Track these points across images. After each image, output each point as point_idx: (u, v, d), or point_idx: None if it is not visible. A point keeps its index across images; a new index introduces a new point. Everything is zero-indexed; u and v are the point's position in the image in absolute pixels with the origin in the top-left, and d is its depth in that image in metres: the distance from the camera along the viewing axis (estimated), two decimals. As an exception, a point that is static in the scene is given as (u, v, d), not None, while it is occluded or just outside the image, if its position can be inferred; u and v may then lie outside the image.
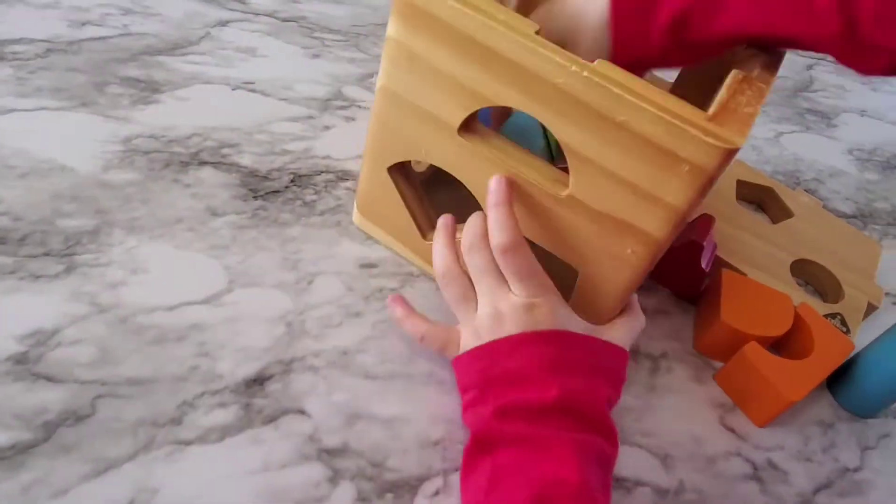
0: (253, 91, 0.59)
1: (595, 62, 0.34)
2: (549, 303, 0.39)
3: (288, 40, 0.66)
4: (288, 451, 0.38)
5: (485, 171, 0.41)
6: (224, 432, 0.37)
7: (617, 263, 0.40)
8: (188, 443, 0.37)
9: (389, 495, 0.37)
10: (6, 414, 0.35)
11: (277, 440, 0.38)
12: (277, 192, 0.51)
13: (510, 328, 0.38)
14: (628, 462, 0.42)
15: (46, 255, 0.43)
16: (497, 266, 0.39)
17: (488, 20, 0.35)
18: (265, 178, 0.52)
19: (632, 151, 0.34)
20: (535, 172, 0.39)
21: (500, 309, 0.39)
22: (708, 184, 0.34)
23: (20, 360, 0.37)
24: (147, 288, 0.42)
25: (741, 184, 0.64)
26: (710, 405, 0.47)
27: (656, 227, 0.37)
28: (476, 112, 0.39)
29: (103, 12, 0.61)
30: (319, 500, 0.36)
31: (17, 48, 0.55)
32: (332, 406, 0.40)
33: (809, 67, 0.91)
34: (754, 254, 0.56)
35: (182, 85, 0.57)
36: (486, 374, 0.38)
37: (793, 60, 0.91)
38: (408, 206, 0.47)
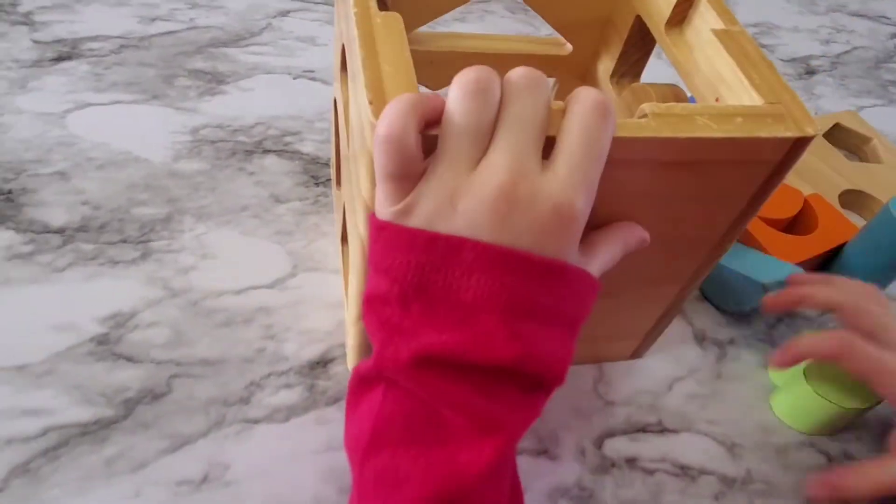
0: (313, 79, 0.60)
1: (384, 13, 0.29)
2: (583, 214, 0.25)
3: (346, 28, 0.67)
4: (351, 432, 0.39)
5: (341, 116, 0.39)
6: (290, 412, 0.39)
7: (354, 241, 0.32)
8: (256, 421, 0.38)
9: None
10: (91, 391, 0.38)
11: (341, 420, 0.39)
12: (338, 178, 0.52)
13: (515, 228, 0.23)
14: (693, 450, 0.41)
15: (124, 241, 0.45)
16: (545, 125, 0.24)
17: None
18: (326, 164, 0.53)
19: (357, 109, 0.30)
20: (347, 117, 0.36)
21: (518, 187, 0.23)
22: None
23: (102, 340, 0.40)
24: (216, 273, 0.44)
25: (838, 127, 0.63)
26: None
27: (360, 218, 0.30)
28: None
29: (171, 7, 0.63)
30: (381, 480, 0.37)
31: (93, 45, 0.58)
32: (393, 388, 0.41)
33: (893, 36, 0.85)
34: (808, 171, 0.58)
35: (245, 76, 0.58)
36: (423, 282, 0.24)
37: (875, 30, 0.86)
38: (336, 147, 0.43)
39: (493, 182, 0.23)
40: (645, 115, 0.27)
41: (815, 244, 0.49)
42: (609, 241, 0.29)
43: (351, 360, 0.40)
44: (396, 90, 0.25)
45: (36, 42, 0.57)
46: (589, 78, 0.45)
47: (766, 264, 0.47)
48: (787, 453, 0.43)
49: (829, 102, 0.71)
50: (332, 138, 0.45)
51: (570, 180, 0.24)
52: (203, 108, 0.55)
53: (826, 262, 0.51)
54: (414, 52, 0.27)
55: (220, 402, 0.38)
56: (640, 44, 0.42)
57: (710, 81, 0.33)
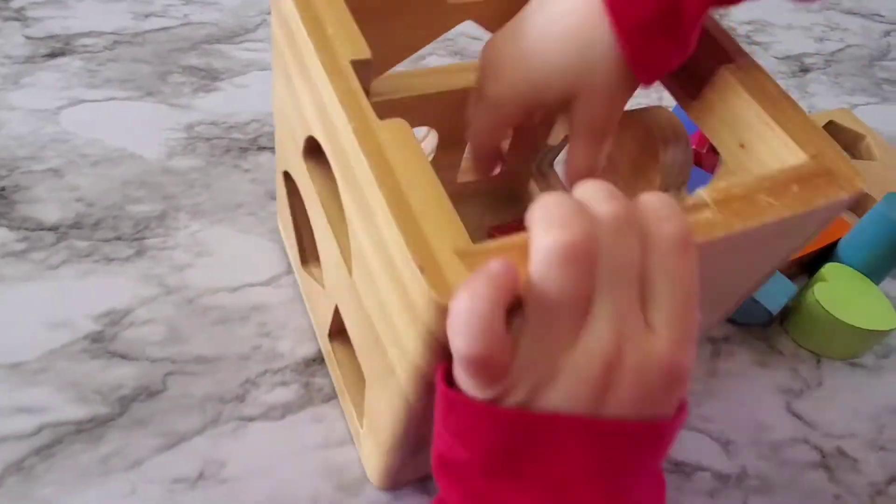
0: (308, 76, 0.60)
1: (387, 121, 0.24)
2: (692, 365, 0.22)
3: (342, 24, 0.66)
4: (347, 429, 0.39)
5: (313, 210, 0.33)
6: (285, 409, 0.39)
7: (385, 384, 0.28)
8: (252, 419, 0.38)
9: (446, 474, 0.38)
10: (86, 389, 0.37)
11: (337, 418, 0.39)
12: (333, 175, 0.52)
13: (622, 399, 0.21)
14: (688, 446, 0.42)
15: (118, 238, 0.45)
16: (641, 271, 0.21)
17: (305, 32, 0.27)
18: (321, 162, 0.53)
19: (382, 255, 0.24)
20: (338, 231, 0.30)
21: (625, 357, 0.20)
22: (445, 354, 0.21)
23: (97, 338, 0.40)
24: (211, 270, 0.44)
25: (832, 125, 0.63)
26: (774, 390, 0.46)
27: (402, 372, 0.25)
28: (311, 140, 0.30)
29: (165, 3, 0.63)
30: (378, 477, 0.37)
31: (86, 41, 0.58)
32: (389, 386, 0.41)
33: (887, 34, 0.85)
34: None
35: (240, 72, 0.58)
36: (511, 458, 0.21)
37: (868, 28, 0.86)
38: (294, 223, 0.39)
39: (598, 356, 0.20)
40: (705, 204, 0.25)
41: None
42: None
43: (378, 479, 0.36)
44: (442, 241, 0.21)
45: (28, 38, 0.57)
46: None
47: (774, 286, 0.47)
48: (782, 450, 0.43)
49: (823, 100, 0.71)
50: (283, 205, 0.40)
51: (673, 337, 0.21)
52: (197, 104, 0.55)
53: (819, 258, 0.52)
54: (387, 103, 0.25)
55: (215, 400, 0.38)
56: None
57: (728, 124, 0.31)
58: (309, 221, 0.35)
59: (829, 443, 0.44)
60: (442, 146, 0.42)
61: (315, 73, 0.26)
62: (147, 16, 0.61)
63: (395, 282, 0.23)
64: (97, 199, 0.47)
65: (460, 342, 0.19)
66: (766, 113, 0.29)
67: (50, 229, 0.44)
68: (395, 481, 0.35)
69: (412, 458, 0.32)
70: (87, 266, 0.43)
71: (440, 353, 0.22)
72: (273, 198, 0.49)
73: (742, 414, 0.44)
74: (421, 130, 0.43)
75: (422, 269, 0.21)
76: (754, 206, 0.25)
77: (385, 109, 0.24)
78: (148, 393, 0.38)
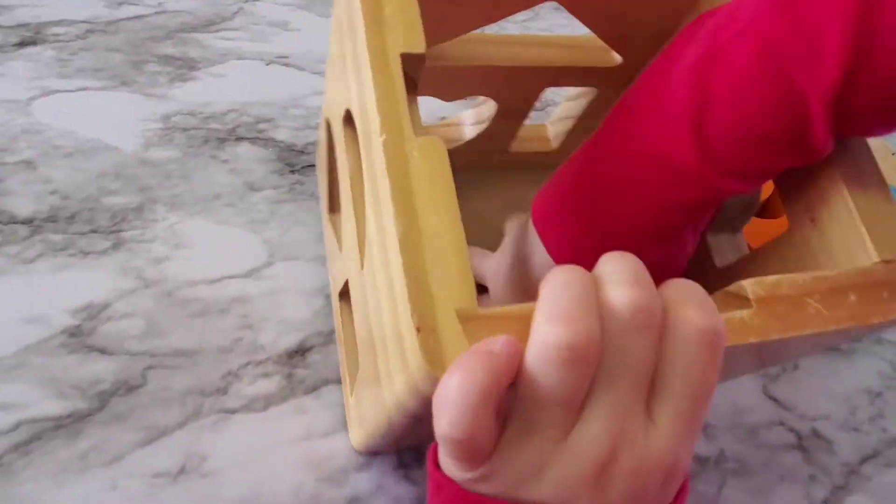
0: (287, 65, 0.59)
1: (421, 139, 0.22)
2: (689, 461, 0.21)
3: (320, 13, 0.66)
4: (330, 420, 0.39)
5: (342, 171, 0.32)
6: (268, 402, 0.39)
7: (373, 395, 0.27)
8: (234, 411, 0.38)
9: (429, 463, 0.38)
10: (64, 384, 0.37)
11: (319, 409, 0.39)
12: (313, 165, 0.51)
13: (613, 497, 0.19)
14: (668, 431, 0.42)
15: (94, 231, 0.44)
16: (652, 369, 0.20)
17: (363, 12, 0.24)
18: (301, 152, 0.52)
19: (389, 282, 0.22)
20: (358, 216, 0.28)
21: (620, 459, 0.19)
22: (424, 402, 0.21)
23: (74, 332, 0.39)
24: (190, 262, 0.44)
25: None
26: (752, 374, 0.47)
27: (389, 396, 0.24)
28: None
29: (139, -9, 0.62)
30: (361, 468, 0.37)
31: (58, 30, 0.56)
32: (372, 376, 0.41)
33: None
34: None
35: (217, 61, 0.57)
36: None
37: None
38: (329, 168, 0.37)
39: (591, 456, 0.19)
40: (745, 299, 0.22)
41: (784, 227, 0.50)
42: None
43: (358, 446, 0.36)
44: (448, 296, 0.20)
45: (-2, 26, 0.55)
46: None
47: None
48: (759, 432, 0.44)
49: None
50: (322, 150, 0.39)
51: (676, 435, 0.19)
52: (174, 94, 0.54)
53: None
54: (438, 68, 0.21)
55: (196, 393, 0.38)
56: None
57: (804, 191, 0.27)
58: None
59: (805, 425, 0.45)
60: (499, 114, 0.39)
61: (361, 59, 0.24)
62: (120, 4, 0.60)
63: (393, 318, 0.22)
64: (72, 191, 0.46)
65: (443, 422, 0.18)
66: (849, 194, 0.25)
67: (23, 223, 0.44)
68: (373, 451, 0.36)
69: (394, 443, 0.32)
70: (63, 260, 0.42)
71: (426, 401, 0.21)
72: (252, 189, 0.49)
73: (719, 398, 0.45)
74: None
75: (418, 330, 0.19)
76: (800, 312, 0.22)
77: (445, 75, 0.22)
78: (127, 387, 0.38)
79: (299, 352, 0.41)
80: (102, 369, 0.38)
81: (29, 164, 0.47)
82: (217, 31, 0.60)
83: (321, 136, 0.39)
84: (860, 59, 0.23)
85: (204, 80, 0.56)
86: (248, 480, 0.36)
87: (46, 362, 0.38)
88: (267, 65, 0.58)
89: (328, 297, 0.44)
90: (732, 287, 0.23)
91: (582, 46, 0.37)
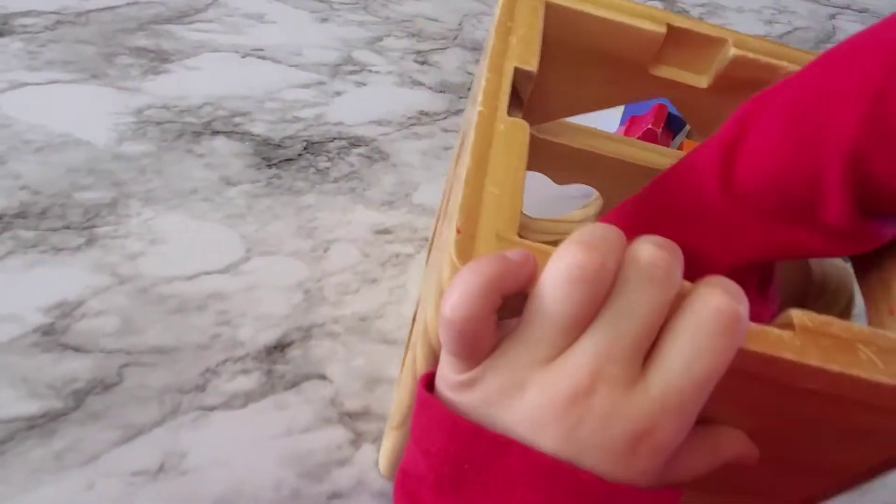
0: (262, 58, 0.58)
1: (511, 119, 0.26)
2: (671, 442, 0.20)
3: (296, 5, 0.65)
4: (310, 416, 0.38)
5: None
6: (247, 398, 0.38)
7: (406, 361, 0.30)
8: (213, 408, 0.37)
9: (410, 456, 0.38)
10: (37, 384, 0.36)
11: (300, 405, 0.39)
12: (291, 160, 0.51)
13: (582, 441, 0.19)
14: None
15: (67, 228, 0.43)
16: (657, 328, 0.20)
17: (494, 34, 0.29)
18: (278, 146, 0.52)
19: (450, 227, 0.24)
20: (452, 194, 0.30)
21: (594, 397, 0.19)
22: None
23: (47, 331, 0.38)
24: (166, 258, 0.43)
25: None
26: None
27: (418, 343, 0.26)
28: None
29: (109, -19, 0.61)
30: (342, 463, 0.37)
31: (25, 21, 0.55)
32: (353, 371, 0.41)
33: (832, 17, 0.88)
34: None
35: (191, 54, 0.56)
36: (460, 478, 0.20)
37: (815, 11, 0.88)
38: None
39: (567, 383, 0.19)
40: (791, 325, 0.20)
41: None
42: (702, 448, 0.23)
43: (384, 465, 0.36)
44: (493, 223, 0.21)
45: (-38, 17, 0.54)
46: None
47: None
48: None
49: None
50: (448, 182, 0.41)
51: (661, 403, 0.19)
52: (147, 87, 0.53)
53: None
54: (551, 147, 0.25)
55: (174, 391, 0.38)
56: None
57: (884, 280, 0.26)
58: None
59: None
60: (604, 212, 0.42)
61: (483, 67, 0.28)
62: (90, -6, 0.59)
63: (446, 247, 0.23)
64: (42, 186, 0.45)
65: (445, 303, 0.19)
66: None
67: (-7, 219, 0.43)
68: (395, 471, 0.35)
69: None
70: (34, 257, 0.41)
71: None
72: (229, 183, 0.48)
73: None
74: (592, 193, 0.44)
75: (458, 231, 0.21)
76: (849, 353, 0.20)
77: (558, 156, 0.26)
78: (103, 385, 0.37)
79: (278, 347, 0.41)
80: (77, 368, 0.37)
81: (-3, 159, 0.46)
82: (191, 22, 0.59)
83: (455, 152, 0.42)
84: (878, 123, 0.24)
85: (178, 72, 0.55)
86: (228, 478, 0.35)
87: (19, 361, 0.37)
88: (242, 57, 0.58)
89: (307, 291, 0.44)
90: (780, 317, 0.21)
91: (677, 155, 0.40)
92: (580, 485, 0.19)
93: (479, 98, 0.26)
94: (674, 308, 0.19)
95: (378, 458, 0.37)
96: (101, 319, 0.39)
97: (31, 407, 0.36)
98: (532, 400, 0.20)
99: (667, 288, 0.19)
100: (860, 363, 0.20)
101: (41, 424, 0.35)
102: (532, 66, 0.28)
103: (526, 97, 0.28)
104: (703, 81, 0.34)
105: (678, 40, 0.33)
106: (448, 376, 0.21)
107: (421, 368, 0.24)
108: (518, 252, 0.20)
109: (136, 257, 0.43)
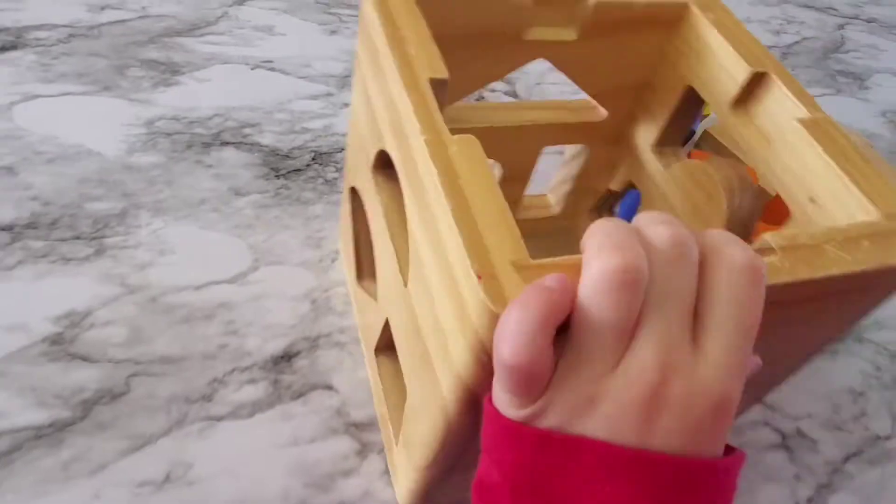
0: (272, 70, 0.59)
1: (458, 137, 0.25)
2: (739, 398, 0.20)
3: (304, 17, 0.66)
4: (316, 426, 0.38)
5: (375, 223, 0.34)
6: (254, 408, 0.38)
7: (427, 399, 0.28)
8: (220, 418, 0.37)
9: (417, 467, 0.38)
10: (45, 393, 0.36)
11: (306, 415, 0.39)
12: (299, 170, 0.51)
13: (665, 430, 0.19)
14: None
15: (77, 238, 0.43)
16: (693, 300, 0.20)
17: (389, 49, 0.28)
18: (286, 156, 0.52)
19: (441, 263, 0.24)
20: (398, 243, 0.31)
21: (670, 387, 0.19)
22: (486, 359, 0.22)
23: (56, 340, 0.39)
24: (174, 268, 0.43)
25: None
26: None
27: (446, 385, 0.25)
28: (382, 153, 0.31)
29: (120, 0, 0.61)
30: (348, 473, 0.37)
31: (39, 34, 0.56)
32: (359, 381, 0.41)
33: (841, 27, 0.88)
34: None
35: (201, 66, 0.57)
36: (538, 484, 0.20)
37: (823, 21, 0.88)
38: (355, 237, 0.40)
39: (641, 382, 0.19)
40: (771, 249, 0.23)
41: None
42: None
43: (405, 500, 0.35)
44: (502, 253, 0.21)
45: (-23, 31, 0.55)
46: (623, 143, 0.42)
47: None
48: (744, 432, 0.44)
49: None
50: (346, 222, 0.41)
51: (725, 366, 0.20)
52: (158, 99, 0.53)
53: None
54: (454, 131, 0.24)
55: (181, 400, 0.38)
56: (688, 113, 0.38)
57: (798, 178, 0.30)
58: (369, 237, 0.36)
59: (789, 424, 0.45)
60: (504, 180, 0.42)
61: (394, 89, 0.28)
62: (103, 8, 0.60)
63: (450, 291, 0.23)
64: (53, 197, 0.45)
65: (504, 349, 0.19)
66: (839, 168, 0.28)
67: (4, 229, 0.43)
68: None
69: (444, 481, 0.32)
70: (44, 267, 0.42)
71: (487, 365, 0.22)
72: (237, 194, 0.48)
73: (706, 399, 0.45)
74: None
75: (479, 277, 0.21)
76: (823, 256, 0.24)
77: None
78: (111, 395, 0.37)
79: (285, 357, 0.41)
80: (85, 377, 0.38)
81: (9, 170, 0.46)
82: (201, 35, 0.60)
83: (344, 209, 0.42)
84: None
85: (188, 84, 0.55)
86: (234, 488, 0.35)
87: (27, 371, 0.37)
88: (252, 69, 0.58)
89: (314, 301, 0.44)
90: (756, 244, 0.24)
91: (569, 107, 0.41)
92: (667, 468, 0.19)
93: (416, 125, 0.25)
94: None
95: (395, 487, 0.37)
96: (109, 329, 0.40)
97: (38, 416, 0.36)
98: (608, 410, 0.19)
99: (693, 261, 0.20)
100: (834, 261, 0.23)
101: (49, 434, 0.35)
102: (443, 72, 0.27)
103: (444, 105, 0.27)
104: (571, 34, 0.35)
105: (542, 0, 0.34)
106: (511, 414, 0.21)
107: (465, 369, 0.23)
108: (554, 277, 0.20)
109: (145, 267, 0.43)
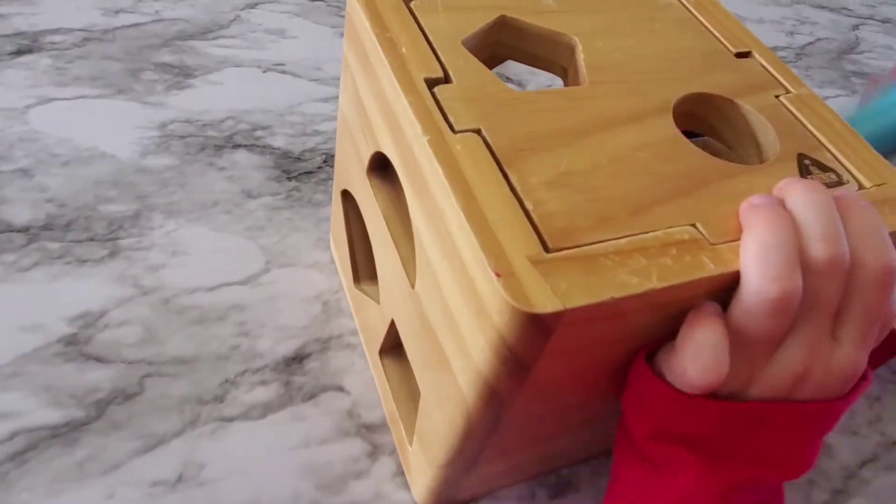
0: (283, 73, 0.59)
1: (460, 135, 0.25)
2: (863, 366, 0.25)
3: (316, 20, 0.66)
4: (328, 427, 0.38)
5: (374, 226, 0.34)
6: (266, 409, 0.38)
7: (444, 397, 0.28)
8: (231, 419, 0.38)
9: (428, 469, 0.38)
10: (60, 393, 0.37)
11: (318, 416, 0.39)
12: (311, 172, 0.51)
13: (804, 397, 0.24)
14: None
15: (91, 239, 0.44)
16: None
17: (381, 51, 0.28)
18: (298, 159, 0.52)
19: (452, 262, 0.24)
20: (401, 245, 0.31)
21: (812, 373, 0.24)
22: (514, 362, 0.22)
23: (70, 341, 0.39)
24: (187, 270, 0.44)
25: None
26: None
27: (465, 382, 0.25)
28: (379, 155, 0.31)
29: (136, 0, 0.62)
30: (359, 475, 0.37)
31: (54, 38, 0.57)
32: (370, 383, 0.41)
33: (855, 28, 0.87)
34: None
35: (214, 69, 0.57)
36: (727, 447, 0.25)
37: (837, 21, 0.87)
38: (349, 241, 0.40)
39: (788, 373, 0.24)
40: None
41: None
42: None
43: (424, 498, 0.35)
44: (517, 249, 0.21)
45: (-6, 35, 0.55)
46: None
47: None
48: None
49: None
50: (338, 226, 0.41)
51: (856, 349, 0.24)
52: (171, 102, 0.54)
53: None
54: None
55: (194, 401, 0.38)
56: None
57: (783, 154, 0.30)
58: (364, 239, 0.36)
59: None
60: None
61: (389, 90, 0.27)
62: (117, 12, 0.60)
63: (465, 290, 0.23)
64: (68, 199, 0.46)
65: (699, 370, 0.23)
66: (827, 142, 0.28)
67: (20, 231, 0.43)
68: (441, 502, 0.35)
69: (463, 477, 0.32)
70: (60, 268, 0.42)
71: (510, 361, 0.22)
72: (249, 196, 0.49)
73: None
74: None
75: (498, 275, 0.21)
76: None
77: None
78: (124, 395, 0.37)
79: (297, 359, 0.41)
80: (99, 377, 0.38)
81: (25, 173, 0.47)
82: (214, 38, 0.60)
83: (336, 213, 0.42)
84: None
85: (201, 87, 0.56)
86: (246, 489, 0.35)
87: (43, 371, 0.37)
88: (264, 72, 0.59)
89: (325, 303, 0.44)
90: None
91: None
92: (822, 413, 0.25)
93: (417, 126, 0.25)
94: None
95: (411, 486, 0.37)
96: (123, 330, 0.40)
97: (53, 416, 0.36)
98: (761, 387, 0.24)
99: (842, 277, 0.23)
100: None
101: (64, 433, 0.36)
102: (438, 71, 0.27)
103: (440, 100, 0.26)
104: None
105: None
106: (690, 387, 0.24)
107: (485, 363, 0.23)
108: (709, 304, 0.23)
109: (158, 269, 0.43)
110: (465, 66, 0.28)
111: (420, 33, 0.29)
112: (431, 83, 0.27)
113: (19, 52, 0.54)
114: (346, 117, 0.35)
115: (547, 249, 0.22)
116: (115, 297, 0.41)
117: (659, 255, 0.22)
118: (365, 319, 0.41)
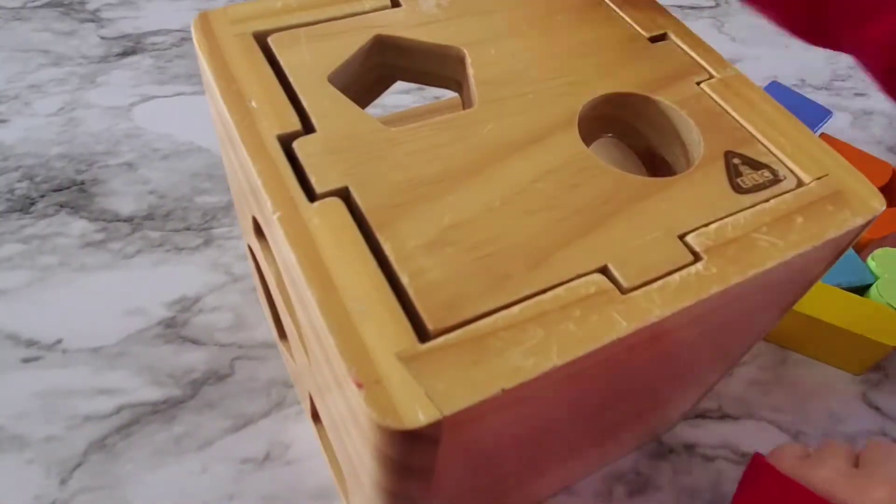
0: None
1: (318, 204, 0.21)
2: None
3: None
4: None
5: (270, 283, 0.31)
6: (347, 394, 0.40)
7: (359, 485, 0.25)
8: (315, 403, 0.39)
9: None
10: (160, 373, 0.39)
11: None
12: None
13: None
14: (755, 437, 0.40)
15: (188, 229, 0.47)
16: None
17: (225, 109, 0.24)
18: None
19: (325, 358, 0.21)
20: (294, 317, 0.27)
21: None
22: (408, 471, 0.19)
23: (169, 324, 0.42)
24: (274, 258, 0.45)
25: None
26: (850, 380, 0.44)
27: (368, 484, 0.22)
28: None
29: (230, 0, 0.65)
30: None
31: (155, 39, 0.60)
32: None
33: None
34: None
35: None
36: None
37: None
38: (267, 293, 0.36)
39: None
40: (697, 257, 0.21)
41: None
42: None
43: None
44: (383, 344, 0.18)
45: (103, 38, 0.60)
46: None
47: (847, 267, 0.44)
48: (857, 442, 0.41)
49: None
50: (257, 281, 0.39)
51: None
52: (260, 97, 0.56)
53: None
54: None
55: (280, 384, 0.40)
56: None
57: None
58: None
59: (911, 437, 0.41)
60: None
61: (240, 154, 0.24)
62: (211, 12, 0.63)
63: (339, 389, 0.20)
64: (168, 191, 0.49)
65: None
66: (758, 132, 0.25)
67: (125, 220, 0.47)
68: None
69: None
70: (160, 255, 0.45)
71: (403, 470, 0.19)
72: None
73: (814, 404, 0.42)
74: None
75: (359, 386, 0.17)
76: (753, 249, 0.22)
77: None
78: (217, 377, 0.40)
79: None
80: (195, 359, 0.40)
81: (130, 166, 0.50)
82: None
83: (251, 266, 0.39)
84: None
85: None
86: (328, 470, 0.37)
87: (145, 351, 0.40)
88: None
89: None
90: (678, 244, 0.22)
91: None
92: None
93: (266, 201, 0.21)
94: None
95: None
96: (215, 315, 0.42)
97: (154, 393, 0.39)
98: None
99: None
100: (766, 252, 0.21)
101: (163, 410, 0.38)
102: (294, 124, 0.23)
103: (305, 160, 0.22)
104: None
105: None
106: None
107: (382, 478, 0.20)
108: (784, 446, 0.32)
109: (248, 257, 0.45)
110: (331, 107, 0.24)
111: (274, 78, 0.24)
112: (287, 139, 0.23)
113: (125, 54, 0.58)
114: (229, 174, 0.32)
115: (426, 334, 0.18)
116: (208, 284, 0.44)
117: (560, 320, 0.19)
118: (294, 374, 0.37)
